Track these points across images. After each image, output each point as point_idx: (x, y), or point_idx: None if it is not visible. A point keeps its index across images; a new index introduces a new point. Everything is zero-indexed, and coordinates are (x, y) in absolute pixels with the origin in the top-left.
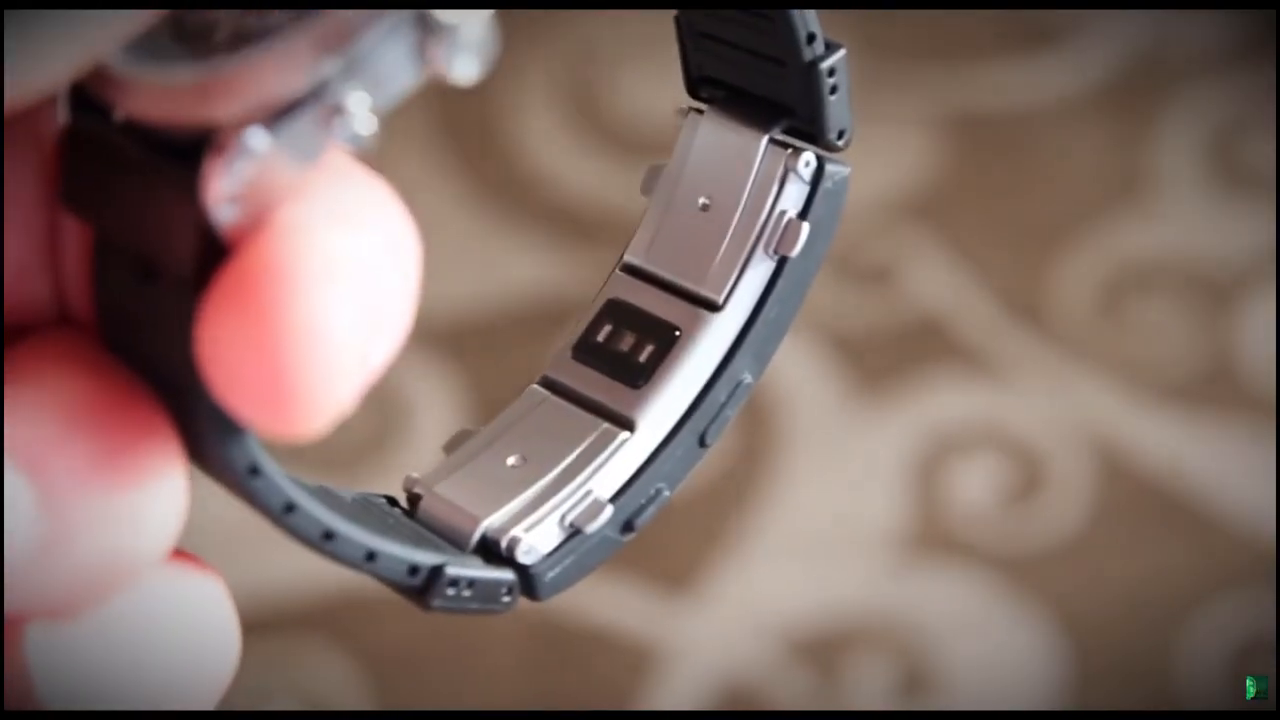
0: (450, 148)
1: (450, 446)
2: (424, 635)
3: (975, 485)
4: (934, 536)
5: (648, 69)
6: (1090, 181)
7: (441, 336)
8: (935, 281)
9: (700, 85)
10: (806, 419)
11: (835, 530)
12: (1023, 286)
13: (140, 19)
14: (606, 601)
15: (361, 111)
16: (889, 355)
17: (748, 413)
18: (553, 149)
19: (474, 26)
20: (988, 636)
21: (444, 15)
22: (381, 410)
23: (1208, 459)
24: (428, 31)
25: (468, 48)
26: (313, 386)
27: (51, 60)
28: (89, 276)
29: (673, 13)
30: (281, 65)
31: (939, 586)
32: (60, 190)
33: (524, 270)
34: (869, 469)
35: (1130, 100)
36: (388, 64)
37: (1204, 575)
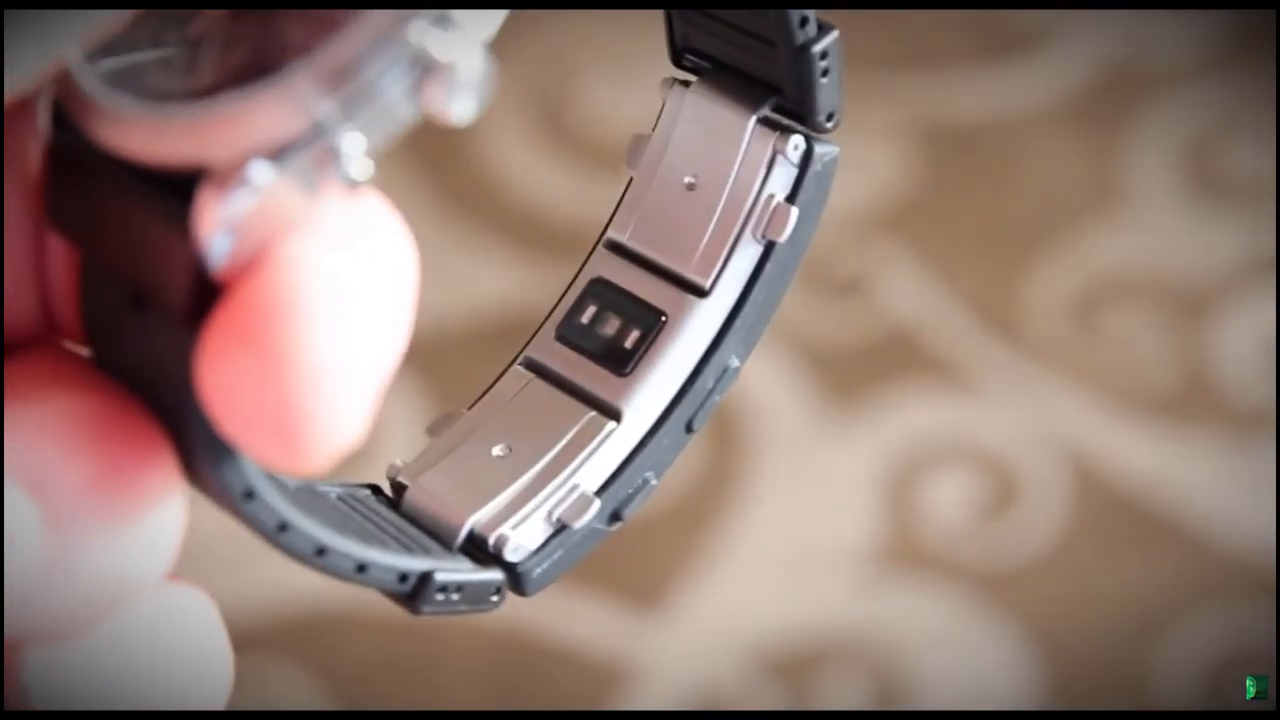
0: (413, 156)
1: (434, 430)
2: (389, 652)
3: (948, 500)
4: (907, 552)
5: (616, 76)
6: (1064, 191)
7: (405, 351)
8: (907, 293)
9: (684, 55)
10: (777, 433)
11: (807, 546)
12: (996, 298)
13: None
14: (575, 618)
15: (357, 154)
16: (860, 368)
17: (717, 427)
18: (519, 158)
19: (472, 65)
20: (962, 653)
21: (441, 54)
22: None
23: (1184, 472)
24: (425, 70)
25: (465, 87)
26: (320, 420)
27: (20, 58)
28: (77, 295)
29: (643, 17)
30: (279, 106)
31: (912, 603)
32: (46, 209)
33: (490, 283)
34: (841, 483)
35: (1104, 109)
36: (384, 104)
37: (1181, 590)
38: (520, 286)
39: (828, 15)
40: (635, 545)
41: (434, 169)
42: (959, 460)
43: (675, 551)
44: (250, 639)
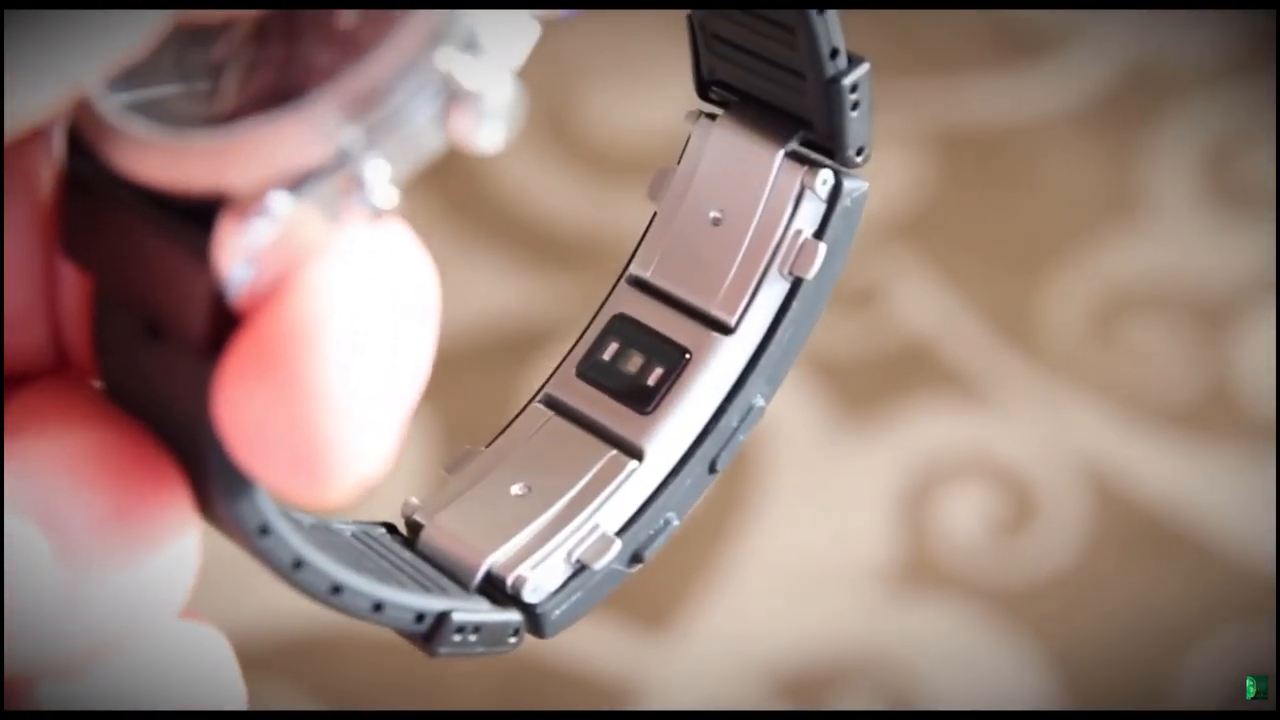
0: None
1: (453, 467)
2: (390, 674)
3: (964, 516)
4: (922, 569)
5: (621, 82)
6: (1082, 199)
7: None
8: (922, 304)
9: (710, 88)
10: (789, 448)
11: (819, 563)
12: (1013, 309)
13: (134, 39)
14: (582, 638)
15: (381, 182)
16: (874, 381)
17: None
18: (522, 166)
19: (500, 93)
20: (978, 673)
21: (469, 81)
22: None
23: (1205, 487)
24: (452, 98)
25: (494, 115)
26: (340, 452)
27: (38, 88)
28: (89, 327)
29: (645, 24)
30: (302, 133)
31: (927, 621)
32: (59, 239)
33: (492, 295)
34: (854, 499)
35: (1123, 114)
36: (410, 131)
37: (1203, 608)
38: (523, 298)
39: (842, 16)
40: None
41: (434, 178)
42: (975, 475)
43: (684, 570)
44: (247, 661)
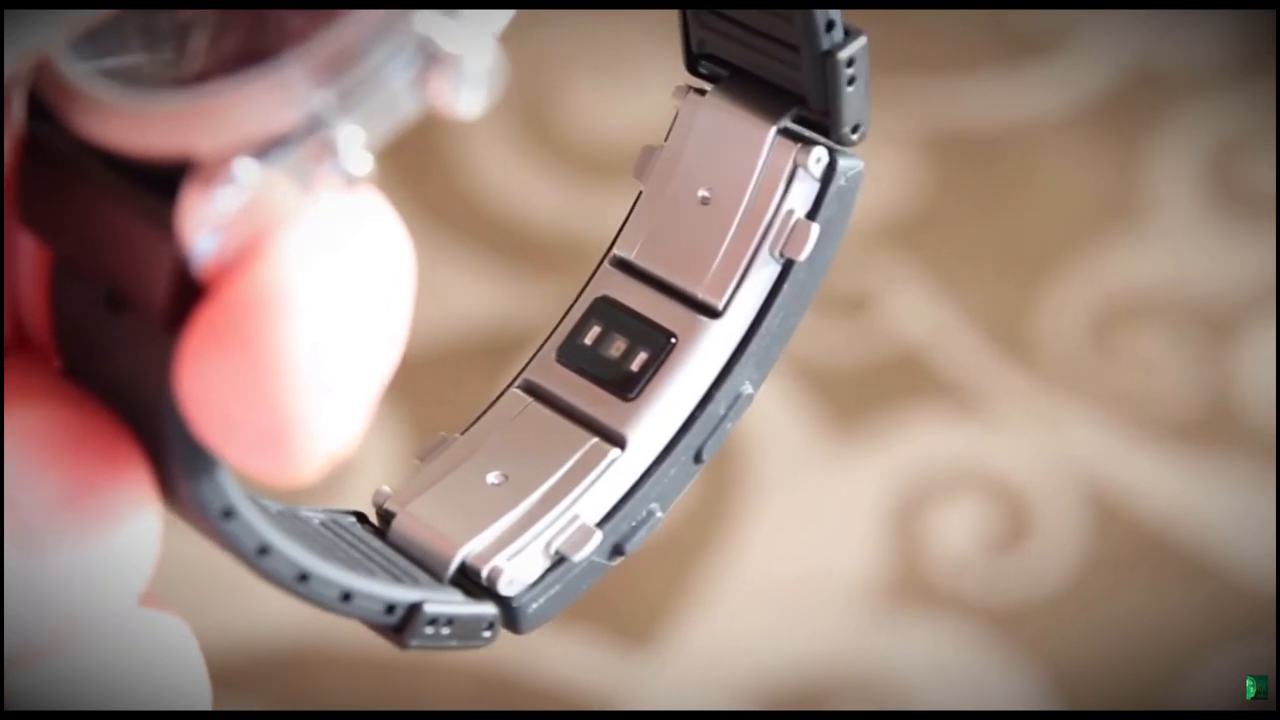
0: (388, 164)
1: (425, 455)
2: (362, 692)
3: (957, 531)
4: (912, 586)
5: (603, 79)
6: (1081, 204)
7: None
8: (914, 312)
9: (700, 61)
10: (776, 460)
11: (807, 579)
12: (1009, 317)
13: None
14: (561, 655)
15: (355, 148)
16: (865, 391)
17: None
18: (500, 166)
19: (481, 57)
20: (971, 693)
21: (448, 44)
22: None
23: (1207, 503)
24: (430, 61)
25: (473, 80)
26: (309, 426)
27: None
28: (47, 300)
29: (626, 18)
30: (272, 96)
31: (919, 639)
32: (17, 207)
33: (469, 299)
34: (843, 513)
35: (1124, 116)
36: (385, 95)
37: (1204, 627)
38: (500, 302)
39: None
40: (625, 578)
41: (409, 178)
42: (969, 489)
43: (667, 584)
44: (217, 676)
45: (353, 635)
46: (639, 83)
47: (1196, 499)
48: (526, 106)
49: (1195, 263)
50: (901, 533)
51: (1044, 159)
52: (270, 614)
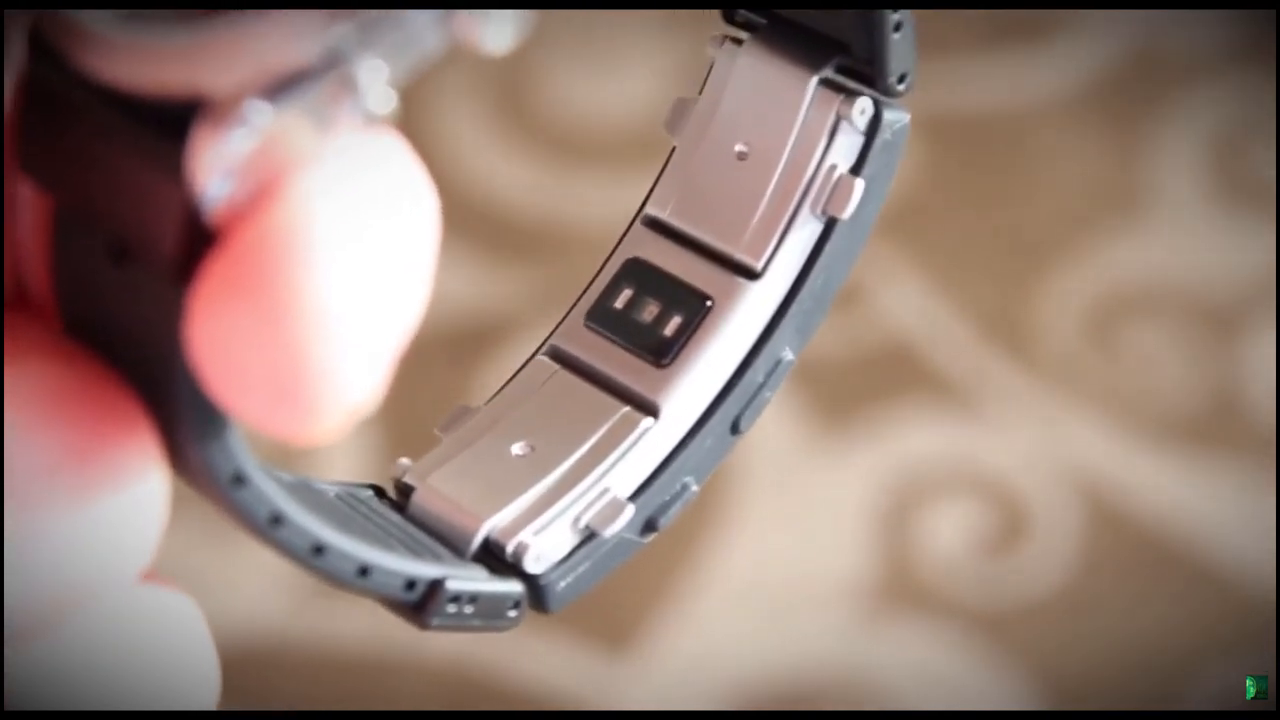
0: None
1: (447, 427)
2: (331, 692)
3: (950, 532)
4: (904, 588)
5: (582, 62)
6: (1080, 193)
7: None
8: (906, 304)
9: (736, 9)
10: (762, 457)
11: (794, 581)
12: (1003, 310)
13: None
14: (540, 661)
15: (377, 85)
16: (854, 386)
17: None
18: (477, 150)
19: None
20: (963, 700)
21: None
22: (281, 447)
23: (1208, 505)
24: None
25: (500, 12)
26: (329, 380)
27: None
28: (49, 253)
29: None
30: (288, 29)
31: (908, 644)
32: (17, 153)
33: (444, 284)
34: (831, 512)
35: (1126, 102)
36: (409, 29)
37: (1204, 633)
38: (480, 290)
39: None
40: (606, 580)
41: None
42: (962, 488)
43: (648, 586)
44: None
45: (315, 633)
46: (620, 64)
47: (1197, 500)
48: (503, 89)
49: (1198, 254)
50: (891, 533)
51: (1042, 145)
52: (233, 611)
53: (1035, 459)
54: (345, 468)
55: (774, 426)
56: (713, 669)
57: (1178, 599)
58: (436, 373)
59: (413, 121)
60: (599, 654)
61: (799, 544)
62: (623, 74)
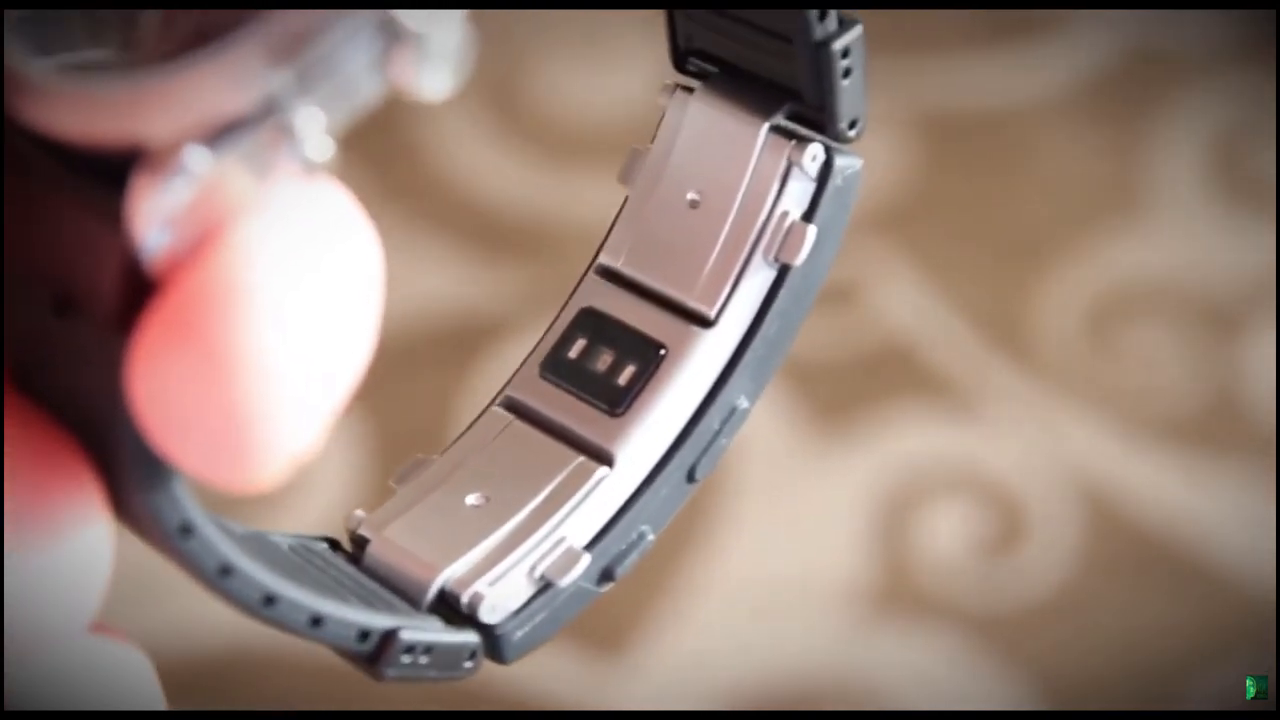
0: (351, 146)
1: (402, 479)
2: (318, 698)
3: (947, 534)
4: (900, 592)
5: (573, 57)
6: (1079, 190)
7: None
8: (903, 303)
9: (687, 58)
10: (757, 459)
11: (789, 584)
12: (1002, 309)
13: None
14: (532, 666)
15: (315, 132)
16: (851, 387)
17: None
18: (467, 148)
19: (447, 34)
20: (961, 701)
21: (412, 21)
22: None
23: (1209, 506)
24: (393, 39)
25: (439, 58)
26: (270, 430)
27: None
28: None
29: None
30: (225, 77)
31: (905, 648)
32: None
33: (435, 284)
34: (827, 515)
35: (1125, 99)
36: (346, 76)
37: (1204, 635)
38: (468, 289)
39: None
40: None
41: (372, 161)
42: (959, 490)
43: (642, 591)
44: (167, 684)
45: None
46: (612, 61)
47: (1197, 501)
48: (494, 84)
49: (1199, 253)
50: (888, 536)
51: (1041, 143)
52: (214, 615)
53: (1034, 459)
54: (336, 468)
55: (771, 427)
56: (710, 670)
57: (1177, 599)
58: (430, 373)
59: (403, 121)
60: (596, 655)
61: (796, 545)
62: (615, 73)
